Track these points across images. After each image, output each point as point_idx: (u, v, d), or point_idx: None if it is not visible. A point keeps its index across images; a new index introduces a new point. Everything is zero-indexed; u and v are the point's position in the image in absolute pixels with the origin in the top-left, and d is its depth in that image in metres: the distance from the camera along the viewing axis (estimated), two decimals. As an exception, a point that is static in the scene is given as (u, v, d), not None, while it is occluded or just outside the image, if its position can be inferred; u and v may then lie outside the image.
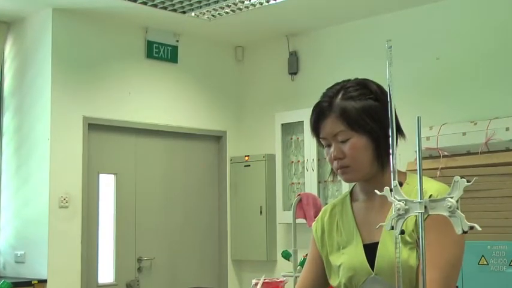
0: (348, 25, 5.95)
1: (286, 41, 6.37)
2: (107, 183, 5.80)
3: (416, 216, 1.25)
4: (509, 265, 4.36)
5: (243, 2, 5.38)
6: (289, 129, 6.30)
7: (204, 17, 5.72)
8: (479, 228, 1.15)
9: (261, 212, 6.35)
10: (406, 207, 1.24)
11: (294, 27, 6.18)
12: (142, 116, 5.95)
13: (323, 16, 5.83)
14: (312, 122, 1.75)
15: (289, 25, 6.11)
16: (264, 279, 2.83)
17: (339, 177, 1.78)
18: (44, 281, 5.20)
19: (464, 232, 1.17)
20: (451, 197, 1.19)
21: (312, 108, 1.76)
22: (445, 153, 4.89)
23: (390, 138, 1.33)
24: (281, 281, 2.93)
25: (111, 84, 5.79)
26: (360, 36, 5.87)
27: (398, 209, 1.24)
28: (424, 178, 1.53)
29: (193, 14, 5.61)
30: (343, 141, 1.70)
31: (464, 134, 4.86)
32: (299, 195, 4.38)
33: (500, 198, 4.55)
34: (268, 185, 6.34)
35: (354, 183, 1.84)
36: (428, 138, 4.92)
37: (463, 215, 1.17)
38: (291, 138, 6.30)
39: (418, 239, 1.33)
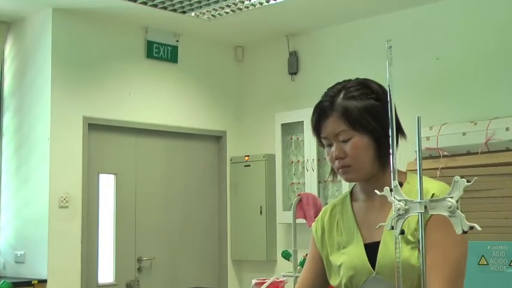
0: (348, 25, 5.95)
1: (286, 41, 6.37)
2: (107, 183, 5.80)
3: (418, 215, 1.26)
4: (509, 265, 4.36)
5: (243, 2, 5.38)
6: (289, 129, 6.30)
7: (204, 17, 5.72)
8: (479, 228, 1.15)
9: (261, 212, 6.34)
10: (406, 207, 1.24)
11: (294, 27, 6.18)
12: (142, 116, 5.95)
13: (323, 16, 5.83)
14: (314, 122, 1.75)
15: (289, 25, 6.11)
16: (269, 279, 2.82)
17: (339, 177, 1.78)
18: (44, 281, 5.20)
19: (464, 232, 1.17)
20: (451, 197, 1.20)
21: (312, 108, 1.76)
22: (445, 153, 4.88)
23: (390, 138, 1.33)
24: (281, 281, 2.94)
25: (111, 84, 5.79)
26: (360, 36, 5.87)
27: (398, 209, 1.24)
28: (425, 178, 1.53)
29: (193, 14, 5.61)
30: (345, 141, 1.70)
31: (464, 134, 4.86)
32: (299, 195, 4.37)
33: (500, 198, 4.55)
34: (268, 185, 6.34)
35: (354, 183, 1.84)
36: (428, 138, 4.92)
37: (463, 215, 1.17)
38: (291, 138, 6.30)
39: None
